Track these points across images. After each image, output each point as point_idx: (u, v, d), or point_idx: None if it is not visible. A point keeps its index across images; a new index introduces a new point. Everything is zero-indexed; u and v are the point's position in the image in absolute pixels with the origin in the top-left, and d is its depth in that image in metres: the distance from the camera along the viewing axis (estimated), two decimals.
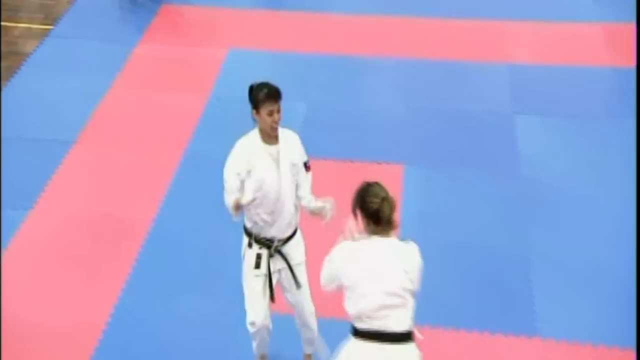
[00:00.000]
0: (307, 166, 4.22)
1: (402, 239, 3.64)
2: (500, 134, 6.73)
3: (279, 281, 4.36)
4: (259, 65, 7.70)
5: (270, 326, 4.41)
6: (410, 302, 3.63)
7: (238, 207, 3.97)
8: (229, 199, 4.03)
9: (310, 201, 4.22)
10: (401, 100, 7.23)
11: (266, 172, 4.06)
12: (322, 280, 3.72)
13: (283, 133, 4.15)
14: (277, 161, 4.08)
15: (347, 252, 3.65)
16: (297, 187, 4.19)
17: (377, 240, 3.60)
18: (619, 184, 6.13)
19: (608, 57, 7.71)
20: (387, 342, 3.64)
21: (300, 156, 4.20)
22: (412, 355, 3.68)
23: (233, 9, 8.77)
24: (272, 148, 4.10)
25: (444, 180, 6.26)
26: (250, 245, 4.25)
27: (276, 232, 4.19)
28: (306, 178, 4.24)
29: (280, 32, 8.39)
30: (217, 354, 4.92)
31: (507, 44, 8.00)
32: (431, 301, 4.72)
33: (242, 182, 4.06)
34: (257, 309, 4.29)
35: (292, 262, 4.30)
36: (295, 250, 4.32)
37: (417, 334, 3.67)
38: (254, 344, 4.52)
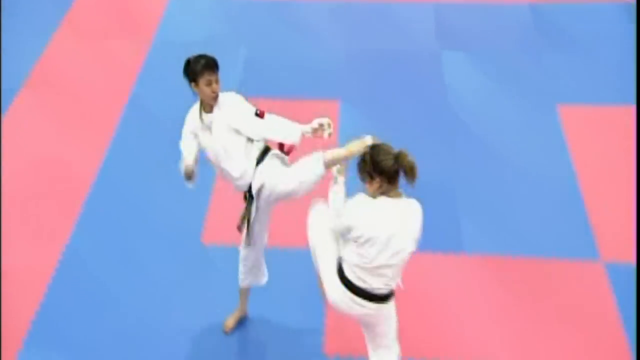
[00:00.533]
0: (258, 114, 4.10)
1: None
2: (428, 70, 7.03)
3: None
4: (200, 10, 7.84)
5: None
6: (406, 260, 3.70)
7: (188, 172, 4.09)
8: (181, 166, 4.16)
9: (296, 131, 4.06)
10: (336, 41, 7.45)
11: (205, 141, 4.18)
12: (331, 225, 3.73)
13: (221, 98, 4.10)
14: (209, 129, 4.13)
15: (362, 211, 3.57)
16: (263, 138, 4.14)
17: (390, 202, 3.56)
18: (533, 111, 6.54)
19: None
20: (369, 301, 3.72)
21: (243, 115, 4.09)
22: (388, 312, 3.84)
23: None
24: (208, 116, 4.13)
25: (376, 114, 6.53)
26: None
27: (239, 185, 4.23)
28: (267, 123, 4.10)
29: None
30: (168, 285, 5.13)
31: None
32: None
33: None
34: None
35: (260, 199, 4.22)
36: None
37: (399, 284, 3.81)
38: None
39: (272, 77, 6.99)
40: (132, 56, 7.26)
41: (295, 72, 7.08)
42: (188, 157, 4.16)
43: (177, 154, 6.35)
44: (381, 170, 3.52)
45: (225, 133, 4.10)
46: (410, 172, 3.51)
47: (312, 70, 7.09)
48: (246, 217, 4.28)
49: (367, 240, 3.57)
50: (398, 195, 3.61)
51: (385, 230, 3.56)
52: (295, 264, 4.99)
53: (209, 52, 7.92)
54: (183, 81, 6.36)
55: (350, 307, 3.76)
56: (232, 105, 4.13)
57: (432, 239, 5.28)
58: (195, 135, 4.21)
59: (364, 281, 3.67)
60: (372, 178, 3.56)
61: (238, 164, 4.14)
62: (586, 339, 4.74)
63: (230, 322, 4.83)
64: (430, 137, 6.30)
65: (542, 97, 6.68)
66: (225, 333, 4.80)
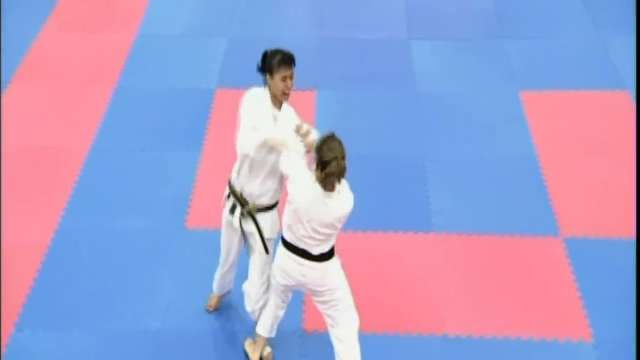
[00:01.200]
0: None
1: None
2: (399, 57, 7.33)
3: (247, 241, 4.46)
4: (180, 6, 8.04)
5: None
6: (335, 236, 4.04)
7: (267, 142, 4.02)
8: (259, 135, 4.02)
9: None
10: (312, 31, 7.71)
11: (266, 130, 4.06)
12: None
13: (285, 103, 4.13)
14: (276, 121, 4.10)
15: (300, 191, 3.90)
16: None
17: (322, 195, 3.85)
18: (497, 96, 6.88)
19: None
20: (307, 259, 4.10)
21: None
22: (330, 269, 4.14)
23: None
24: (277, 112, 4.12)
25: (351, 101, 6.82)
26: (228, 197, 4.38)
27: (251, 191, 4.21)
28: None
29: None
30: (154, 266, 5.33)
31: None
32: None
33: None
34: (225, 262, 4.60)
35: (262, 233, 4.31)
36: (266, 224, 4.31)
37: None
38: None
39: (252, 69, 7.09)
40: (118, 49, 7.46)
41: None
42: (270, 130, 4.04)
43: (161, 142, 6.58)
44: (319, 155, 3.81)
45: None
46: (328, 175, 3.78)
47: None
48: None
49: (296, 208, 3.95)
50: (332, 190, 3.87)
51: (306, 214, 3.92)
52: (276, 243, 5.25)
53: (191, 44, 8.24)
54: (166, 72, 6.55)
55: (293, 269, 4.13)
56: (292, 116, 4.14)
57: (404, 219, 5.68)
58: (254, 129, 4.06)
59: (296, 241, 4.05)
60: (316, 166, 3.86)
61: (266, 174, 4.18)
62: (546, 308, 5.09)
63: (213, 301, 5.04)
64: (401, 122, 6.61)
65: (505, 83, 7.05)
66: (209, 312, 5.05)
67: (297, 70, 7.04)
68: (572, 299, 5.14)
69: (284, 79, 4.05)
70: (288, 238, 4.11)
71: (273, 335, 4.65)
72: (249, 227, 4.35)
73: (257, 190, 4.23)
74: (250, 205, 4.27)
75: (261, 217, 4.30)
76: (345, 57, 7.41)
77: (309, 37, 7.60)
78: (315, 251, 4.08)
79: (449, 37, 7.65)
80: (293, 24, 7.90)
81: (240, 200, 4.29)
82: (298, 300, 5.00)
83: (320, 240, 4.04)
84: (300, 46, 7.42)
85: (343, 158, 3.80)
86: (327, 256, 4.12)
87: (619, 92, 6.88)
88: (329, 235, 4.04)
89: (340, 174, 3.82)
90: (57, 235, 5.55)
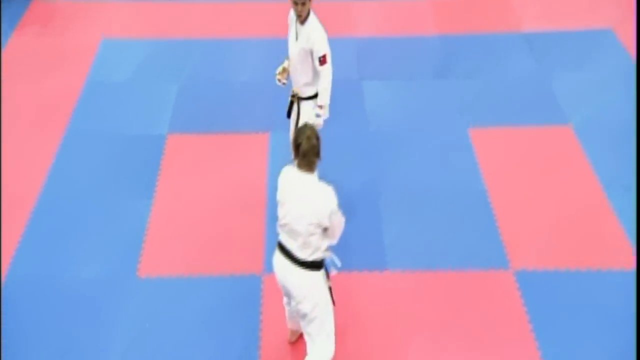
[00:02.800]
0: (320, 60, 5.52)
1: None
2: (351, 97, 7.45)
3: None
4: (131, 52, 8.08)
5: None
6: (316, 236, 4.28)
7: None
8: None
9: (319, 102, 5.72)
10: (264, 73, 7.63)
11: (290, 38, 5.66)
12: None
13: (311, 25, 5.49)
14: (296, 36, 5.56)
15: (283, 176, 4.38)
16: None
17: (300, 176, 4.28)
18: (447, 131, 7.03)
19: (435, 27, 8.62)
20: (291, 261, 4.38)
21: (311, 47, 5.49)
22: (312, 280, 4.39)
23: (103, 3, 9.02)
24: (299, 27, 5.54)
25: None
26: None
27: (293, 85, 5.80)
28: (322, 71, 5.58)
29: (151, 21, 8.74)
30: (105, 316, 5.29)
31: (354, 20, 8.72)
32: None
33: None
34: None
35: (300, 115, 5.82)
36: (306, 111, 5.82)
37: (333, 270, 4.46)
38: None
39: (203, 113, 7.28)
40: (67, 94, 7.45)
41: (225, 106, 7.39)
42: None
43: (112, 188, 6.52)
44: (295, 147, 4.28)
45: (299, 48, 5.54)
46: (303, 154, 4.26)
47: (242, 104, 7.41)
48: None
49: (279, 201, 4.36)
50: (308, 171, 4.30)
51: (288, 195, 4.31)
52: None
53: (141, 90, 8.26)
54: (117, 118, 6.57)
55: (280, 266, 4.47)
56: (311, 36, 5.47)
57: (359, 257, 5.72)
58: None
59: (285, 239, 4.39)
60: (294, 154, 4.32)
61: (300, 75, 5.71)
62: (498, 342, 5.15)
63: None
64: (354, 159, 6.71)
65: (453, 119, 7.21)
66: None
67: (249, 113, 7.25)
68: (523, 331, 5.21)
69: (295, 4, 5.41)
70: (279, 238, 4.44)
71: (296, 328, 4.95)
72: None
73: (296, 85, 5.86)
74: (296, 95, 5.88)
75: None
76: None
77: (262, 80, 7.67)
78: (299, 254, 4.33)
79: (398, 76, 7.81)
80: (246, 67, 7.97)
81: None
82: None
83: (303, 237, 4.27)
84: (252, 89, 7.73)
85: (316, 138, 4.25)
86: (309, 265, 4.37)
87: (562, 127, 7.08)
88: (310, 235, 4.26)
89: (312, 151, 4.23)
90: (5, 284, 5.48)
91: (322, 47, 5.50)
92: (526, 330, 5.21)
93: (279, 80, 5.83)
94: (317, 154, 4.28)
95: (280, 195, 4.37)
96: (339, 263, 4.53)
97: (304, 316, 4.50)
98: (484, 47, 8.29)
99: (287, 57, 5.80)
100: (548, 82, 7.69)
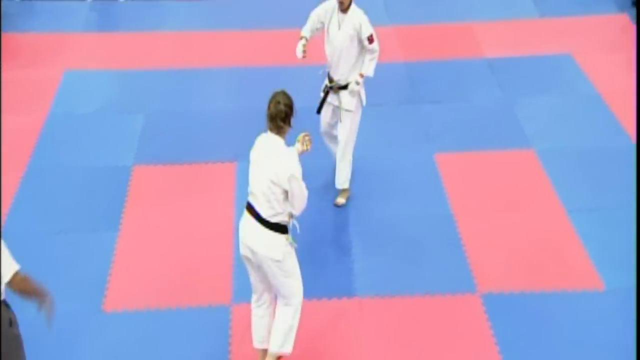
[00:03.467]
0: (368, 39, 6.02)
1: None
2: (317, 124, 7.22)
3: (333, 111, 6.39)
4: (94, 83, 8.05)
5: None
6: (279, 199, 4.46)
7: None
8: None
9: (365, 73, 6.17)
10: (231, 102, 7.81)
11: (332, 29, 6.07)
12: None
13: (355, 11, 6.02)
14: (339, 25, 6.03)
15: (257, 140, 4.65)
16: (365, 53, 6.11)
17: (268, 137, 4.55)
18: (414, 156, 7.12)
19: (401, 54, 8.74)
20: (256, 219, 4.52)
21: (357, 30, 5.99)
22: (278, 241, 4.54)
23: (66, 34, 9.00)
24: (341, 16, 6.03)
25: None
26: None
27: (333, 75, 6.21)
28: (372, 48, 6.07)
29: (115, 52, 8.73)
30: (70, 352, 5.18)
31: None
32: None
33: (317, 30, 6.19)
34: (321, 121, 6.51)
35: (341, 106, 6.25)
36: (346, 98, 6.24)
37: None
38: None
39: (169, 143, 7.27)
40: (29, 129, 7.37)
41: (192, 136, 7.39)
42: (307, 32, 6.21)
43: (76, 222, 6.42)
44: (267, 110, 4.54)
45: (346, 35, 6.02)
46: (271, 117, 4.53)
47: (208, 134, 7.42)
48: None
49: (249, 161, 4.63)
50: (277, 134, 4.56)
51: (256, 155, 4.58)
52: None
53: (106, 121, 8.19)
54: (81, 150, 6.45)
55: (243, 225, 4.63)
56: (355, 21, 5.98)
57: (328, 285, 5.72)
58: (319, 23, 6.17)
59: (250, 198, 4.58)
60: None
61: (344, 64, 6.15)
62: None
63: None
64: (321, 187, 6.69)
65: (420, 145, 7.30)
66: None
67: (216, 142, 7.23)
68: (491, 352, 5.23)
69: None
70: (248, 198, 4.60)
71: (265, 346, 4.92)
72: (334, 99, 6.37)
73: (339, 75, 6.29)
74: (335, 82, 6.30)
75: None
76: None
77: (228, 109, 7.69)
78: (263, 213, 4.50)
79: (367, 103, 7.79)
80: (212, 96, 7.98)
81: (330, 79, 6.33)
82: None
83: (266, 196, 4.47)
84: (219, 117, 7.74)
85: (285, 105, 4.49)
86: (273, 226, 4.52)
87: (525, 151, 7.19)
88: (272, 195, 4.46)
89: (279, 115, 4.47)
90: None
91: (369, 28, 6.02)
92: (494, 351, 5.24)
93: (304, 52, 6.16)
94: (284, 119, 4.50)
95: (250, 156, 4.60)
96: (298, 229, 4.75)
97: (275, 276, 4.61)
98: (448, 73, 8.42)
99: (303, 37, 6.19)
100: (511, 106, 7.83)
